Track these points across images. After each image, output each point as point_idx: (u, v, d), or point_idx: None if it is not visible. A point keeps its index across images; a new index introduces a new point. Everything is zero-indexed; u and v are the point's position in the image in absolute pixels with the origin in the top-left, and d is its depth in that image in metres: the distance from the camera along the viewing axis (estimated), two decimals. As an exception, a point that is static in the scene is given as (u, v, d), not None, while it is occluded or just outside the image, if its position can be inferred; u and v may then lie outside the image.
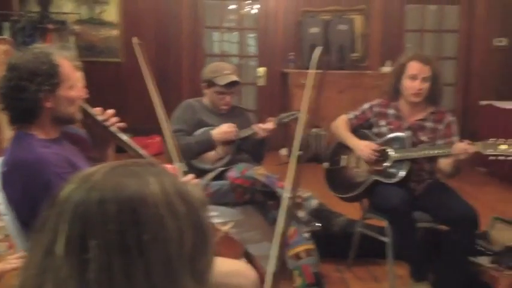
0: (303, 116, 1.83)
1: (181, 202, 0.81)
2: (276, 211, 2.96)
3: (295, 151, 1.66)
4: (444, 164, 2.79)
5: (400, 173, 2.85)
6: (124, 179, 0.79)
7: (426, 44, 7.64)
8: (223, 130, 3.10)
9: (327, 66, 6.39)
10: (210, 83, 3.16)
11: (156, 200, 0.78)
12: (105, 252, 0.74)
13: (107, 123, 1.97)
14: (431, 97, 2.88)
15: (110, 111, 2.00)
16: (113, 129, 1.98)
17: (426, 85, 2.81)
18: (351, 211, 3.46)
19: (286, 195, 2.90)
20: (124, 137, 1.99)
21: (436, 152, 2.78)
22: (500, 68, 7.35)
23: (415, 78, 2.81)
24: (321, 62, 1.82)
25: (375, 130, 3.02)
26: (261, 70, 7.41)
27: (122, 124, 2.01)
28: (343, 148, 3.09)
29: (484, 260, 3.10)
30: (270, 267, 1.50)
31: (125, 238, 0.75)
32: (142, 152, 2.01)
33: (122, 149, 2.04)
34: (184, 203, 0.81)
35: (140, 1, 7.25)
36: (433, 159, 2.87)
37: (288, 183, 1.70)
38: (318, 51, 1.78)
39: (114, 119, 1.99)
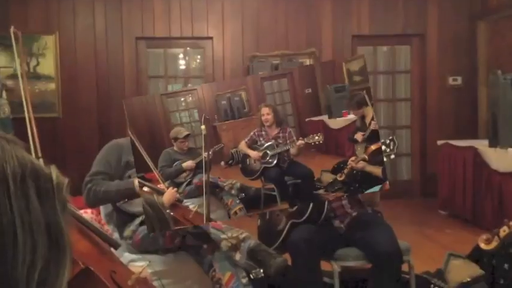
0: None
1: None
2: (211, 256, 2.89)
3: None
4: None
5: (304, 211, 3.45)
6: None
7: (380, 84, 7.84)
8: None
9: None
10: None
11: None
12: None
13: None
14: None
15: None
16: None
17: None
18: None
19: (222, 236, 2.84)
20: None
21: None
22: (456, 107, 7.54)
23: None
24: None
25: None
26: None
27: None
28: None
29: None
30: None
31: None
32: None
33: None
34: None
35: (78, 52, 7.26)
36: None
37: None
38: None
39: None
